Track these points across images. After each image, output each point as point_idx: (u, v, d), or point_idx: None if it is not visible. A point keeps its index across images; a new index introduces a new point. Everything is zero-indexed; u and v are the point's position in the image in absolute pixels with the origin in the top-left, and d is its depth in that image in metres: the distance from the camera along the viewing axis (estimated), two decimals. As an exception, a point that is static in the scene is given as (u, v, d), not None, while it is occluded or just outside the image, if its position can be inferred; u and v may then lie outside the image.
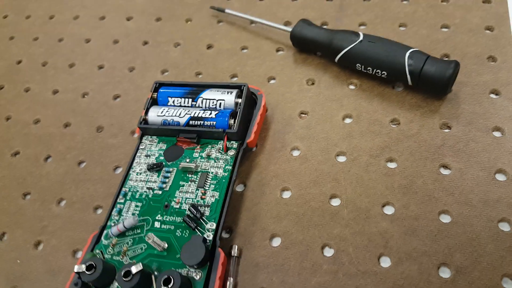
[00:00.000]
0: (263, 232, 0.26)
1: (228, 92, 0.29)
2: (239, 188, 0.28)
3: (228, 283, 0.24)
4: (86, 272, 0.22)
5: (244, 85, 0.29)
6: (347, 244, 0.25)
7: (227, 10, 0.37)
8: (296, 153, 0.29)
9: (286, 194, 0.27)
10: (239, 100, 0.28)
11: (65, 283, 0.25)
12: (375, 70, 0.30)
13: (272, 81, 0.33)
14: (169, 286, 0.21)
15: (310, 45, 0.33)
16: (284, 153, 0.29)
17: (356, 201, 0.26)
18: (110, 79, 0.36)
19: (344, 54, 0.31)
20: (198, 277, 0.23)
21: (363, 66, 0.30)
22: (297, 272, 0.24)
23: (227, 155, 0.27)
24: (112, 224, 0.26)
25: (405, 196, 0.26)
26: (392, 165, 0.27)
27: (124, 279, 0.22)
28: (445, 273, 0.23)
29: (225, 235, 0.26)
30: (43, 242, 0.28)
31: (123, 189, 0.27)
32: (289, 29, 0.34)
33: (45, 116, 0.35)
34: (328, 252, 0.25)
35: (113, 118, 0.33)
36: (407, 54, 0.29)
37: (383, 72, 0.30)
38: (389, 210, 0.26)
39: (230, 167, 0.27)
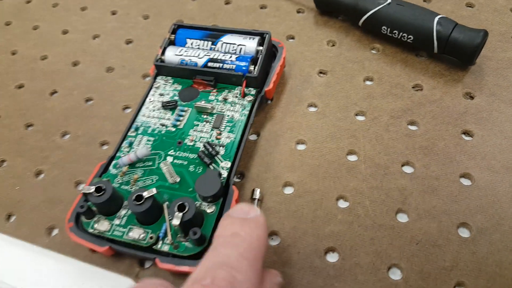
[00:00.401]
0: (276, 179, 0.25)
1: (250, 38, 0.28)
2: (252, 137, 0.27)
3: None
4: (95, 193, 0.21)
5: (267, 33, 0.28)
6: (364, 197, 0.24)
7: (249, -32, 0.36)
8: (313, 109, 0.28)
9: (301, 147, 0.26)
10: (261, 48, 0.27)
11: (65, 212, 0.23)
12: (401, 33, 0.29)
13: (291, 40, 0.32)
14: (184, 212, 0.20)
15: (334, 6, 0.32)
16: (301, 107, 0.28)
17: (374, 158, 0.25)
18: (123, 25, 0.35)
19: (370, 16, 0.30)
20: (210, 210, 0.22)
21: (389, 29, 0.29)
22: (310, 219, 0.23)
23: (244, 100, 0.26)
24: (122, 155, 0.24)
25: (426, 156, 0.25)
26: (413, 127, 0.26)
27: (135, 202, 0.20)
28: (464, 233, 0.22)
29: (236, 180, 0.25)
30: (44, 171, 0.27)
31: (135, 123, 0.26)
32: (314, -11, 0.33)
33: (53, 53, 0.33)
34: (343, 204, 0.24)
35: (124, 61, 0.32)
36: (436, 19, 0.28)
37: (409, 36, 0.29)
38: (408, 169, 0.25)
39: (247, 112, 0.26)
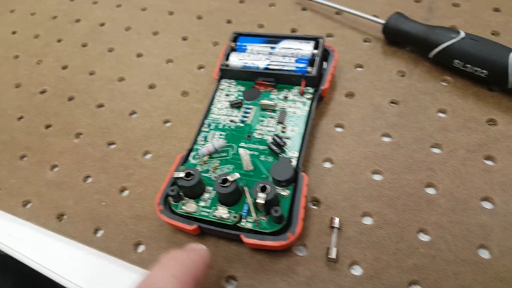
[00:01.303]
0: (354, 209, 0.25)
1: (306, 42, 0.30)
2: (326, 165, 0.28)
3: (332, 251, 0.23)
4: (185, 178, 0.23)
5: (321, 37, 0.30)
6: (445, 231, 0.24)
7: (314, -2, 0.37)
8: (387, 139, 0.29)
9: (378, 177, 0.27)
10: (316, 51, 0.30)
11: (150, 230, 0.25)
12: (474, 68, 0.29)
13: (359, 69, 0.33)
14: (267, 192, 0.22)
15: (404, 38, 0.33)
16: (375, 137, 0.29)
17: (454, 192, 0.25)
18: (194, 50, 0.36)
19: (441, 49, 0.30)
20: (285, 193, 0.24)
21: (462, 63, 0.30)
22: (392, 251, 0.23)
23: (303, 98, 0.29)
24: (199, 148, 0.27)
25: (505, 193, 0.25)
26: (489, 162, 0.27)
27: (221, 185, 0.22)
28: (550, 273, 0.22)
29: (312, 207, 0.26)
30: (128, 188, 0.28)
31: (207, 120, 0.28)
32: (382, 21, 0.34)
33: (129, 75, 0.35)
34: (424, 237, 0.24)
35: (198, 86, 0.33)
36: (511, 55, 0.28)
37: (482, 71, 0.29)
38: (488, 205, 0.25)
39: (308, 109, 0.28)
